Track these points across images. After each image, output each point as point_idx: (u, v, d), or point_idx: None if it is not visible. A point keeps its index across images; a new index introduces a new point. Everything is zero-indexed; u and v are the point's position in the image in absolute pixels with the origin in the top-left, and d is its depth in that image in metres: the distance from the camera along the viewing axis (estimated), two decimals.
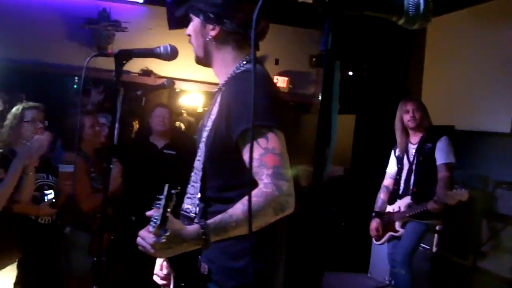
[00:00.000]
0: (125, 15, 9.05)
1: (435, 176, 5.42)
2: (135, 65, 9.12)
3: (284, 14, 8.23)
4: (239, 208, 2.27)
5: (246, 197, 2.18)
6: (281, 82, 10.16)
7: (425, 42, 8.10)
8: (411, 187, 5.63)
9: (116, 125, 3.11)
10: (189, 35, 2.75)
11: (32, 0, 8.82)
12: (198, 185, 2.56)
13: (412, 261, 5.46)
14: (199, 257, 2.52)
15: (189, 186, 2.53)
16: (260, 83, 2.41)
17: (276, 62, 10.21)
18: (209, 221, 2.24)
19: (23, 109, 4.74)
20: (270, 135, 2.34)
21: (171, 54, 3.14)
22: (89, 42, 8.65)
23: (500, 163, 6.38)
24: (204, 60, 2.77)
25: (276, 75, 10.16)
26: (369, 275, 6.70)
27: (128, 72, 8.98)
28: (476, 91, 7.06)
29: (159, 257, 2.20)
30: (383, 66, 8.62)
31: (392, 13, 1.71)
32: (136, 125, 9.01)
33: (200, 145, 2.64)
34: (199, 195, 2.54)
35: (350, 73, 10.16)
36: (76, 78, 9.93)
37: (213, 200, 2.48)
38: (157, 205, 2.14)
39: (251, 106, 2.02)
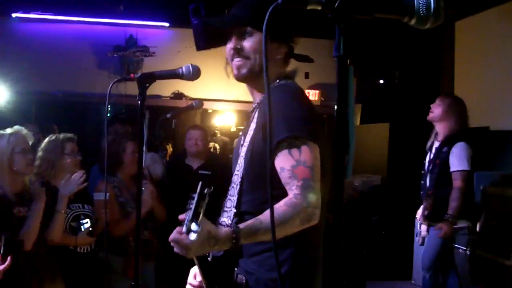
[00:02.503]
0: (152, 39, 9.16)
1: (450, 181, 5.33)
2: (166, 89, 9.20)
3: (312, 27, 8.22)
4: (267, 217, 2.28)
5: (279, 203, 2.29)
6: (312, 95, 10.18)
7: (454, 44, 8.04)
8: (426, 190, 5.56)
9: (144, 149, 3.11)
10: (240, 48, 2.62)
11: (58, 31, 8.97)
12: (235, 198, 2.60)
13: (442, 265, 5.41)
14: (236, 269, 2.56)
15: (226, 199, 2.55)
16: (294, 96, 2.50)
17: (306, 75, 10.21)
18: (241, 225, 2.27)
19: (63, 141, 4.75)
20: (303, 147, 2.37)
21: (194, 74, 3.10)
22: (118, 69, 8.76)
23: None
24: (254, 76, 2.65)
25: (307, 88, 10.16)
26: (413, 282, 6.62)
27: (159, 96, 9.08)
28: (509, 90, 6.97)
29: (189, 256, 2.18)
30: (414, 71, 8.59)
31: (403, 14, 1.69)
32: (170, 148, 9.05)
33: (239, 160, 2.64)
34: (235, 210, 2.57)
35: (381, 81, 10.14)
36: (109, 106, 10.04)
37: (250, 213, 2.47)
38: (190, 207, 2.22)
39: (288, 118, 2.29)
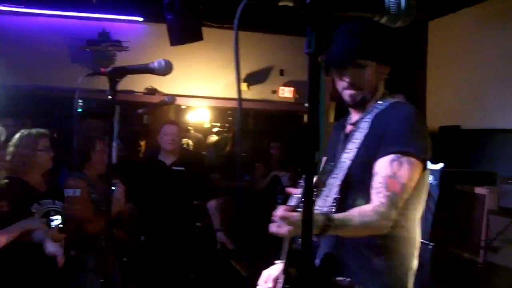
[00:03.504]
0: (125, 34, 9.08)
1: None
2: (140, 84, 9.14)
3: (286, 24, 8.23)
4: (356, 216, 2.45)
5: (366, 207, 2.50)
6: (287, 92, 10.15)
7: (427, 44, 8.08)
8: None
9: (114, 144, 3.09)
10: (352, 82, 2.78)
11: (31, 24, 8.85)
12: (329, 199, 2.69)
13: None
14: (346, 279, 2.69)
15: (320, 198, 2.59)
16: (412, 115, 2.68)
17: (281, 72, 10.20)
18: (335, 217, 2.39)
19: (36, 136, 4.68)
20: (406, 165, 2.55)
21: (166, 69, 3.10)
22: (91, 64, 8.68)
23: (506, 159, 6.37)
24: (368, 100, 2.83)
25: (282, 85, 10.15)
26: None
27: (133, 91, 9.01)
28: (481, 90, 7.03)
29: (293, 232, 2.30)
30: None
31: (374, 12, 1.70)
32: (143, 144, 9.01)
33: (339, 164, 2.74)
34: (325, 209, 2.65)
35: None
36: (81, 101, 9.92)
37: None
38: (301, 184, 2.31)
39: (406, 134, 2.58)
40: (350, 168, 2.68)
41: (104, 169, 5.00)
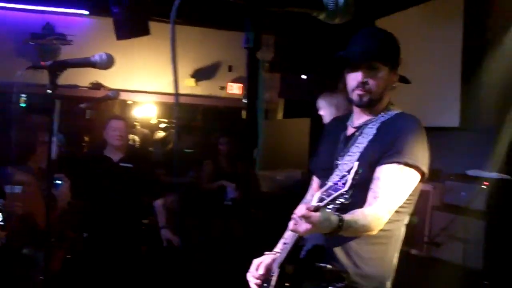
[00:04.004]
0: (70, 28, 8.95)
1: None
2: (84, 79, 9.04)
3: (235, 20, 8.21)
4: (360, 218, 2.53)
5: (368, 209, 2.60)
6: (235, 88, 10.15)
7: None
8: None
9: (54, 139, 3.04)
10: (365, 82, 2.82)
11: None
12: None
13: None
14: (327, 265, 2.76)
15: (322, 193, 2.51)
16: (419, 127, 2.78)
17: (230, 68, 10.20)
18: (345, 218, 2.42)
19: None
20: (407, 172, 2.67)
21: (107, 63, 3.07)
22: (35, 57, 8.52)
23: (449, 157, 6.46)
24: (374, 103, 2.88)
25: (231, 81, 10.15)
26: None
27: (76, 86, 8.89)
28: (425, 88, 7.11)
29: (311, 231, 2.35)
30: (337, 68, 8.67)
31: (312, 8, 1.70)
32: (87, 139, 8.91)
33: (341, 166, 2.68)
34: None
35: (304, 76, 10.21)
36: (25, 95, 9.76)
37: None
38: (330, 192, 2.35)
39: (411, 146, 2.66)
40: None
41: (43, 165, 4.92)
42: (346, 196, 2.30)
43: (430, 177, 6.09)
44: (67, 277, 5.21)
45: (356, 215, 2.52)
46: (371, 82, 2.81)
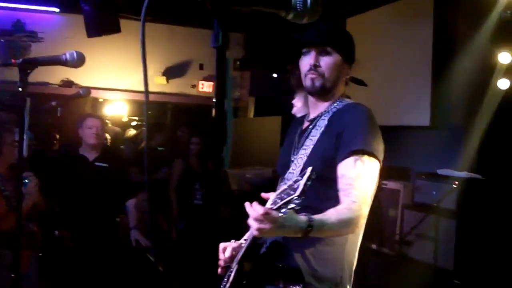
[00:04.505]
0: (41, 25, 8.91)
1: None
2: (55, 77, 8.98)
3: (205, 18, 8.20)
4: (333, 215, 2.49)
5: (340, 206, 2.56)
6: (206, 87, 10.15)
7: None
8: None
9: (24, 137, 3.02)
10: (317, 65, 2.83)
11: None
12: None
13: None
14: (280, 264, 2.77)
15: (276, 196, 2.48)
16: (371, 117, 2.76)
17: (201, 67, 10.20)
18: (314, 217, 2.40)
19: None
20: (368, 162, 2.64)
21: (78, 61, 3.05)
22: (4, 54, 8.47)
23: (420, 156, 6.52)
24: (326, 89, 2.89)
25: (202, 80, 10.14)
26: None
27: (47, 83, 8.84)
28: (395, 87, 7.17)
29: (269, 235, 2.43)
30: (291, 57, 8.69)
31: (280, 8, 1.71)
32: (57, 137, 8.84)
33: (296, 160, 2.86)
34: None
35: (275, 75, 10.23)
36: None
37: (308, 207, 2.56)
38: (289, 192, 2.29)
39: (366, 134, 2.65)
40: (306, 164, 2.74)
41: (14, 161, 4.87)
42: (298, 201, 2.26)
43: (401, 175, 6.15)
44: (41, 275, 5.20)
45: (327, 213, 2.48)
46: (323, 65, 2.83)
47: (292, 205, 2.27)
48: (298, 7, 1.69)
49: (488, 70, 5.84)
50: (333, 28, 2.92)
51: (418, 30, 6.95)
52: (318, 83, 2.84)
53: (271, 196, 2.39)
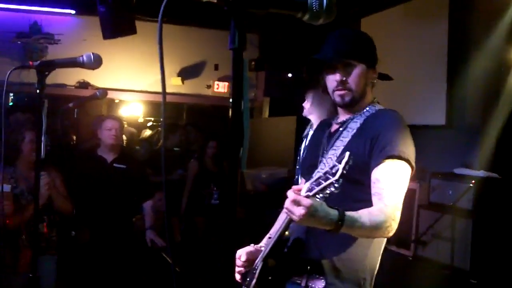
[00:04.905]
0: (57, 27, 8.96)
1: None
2: (71, 78, 9.02)
3: (221, 19, 8.22)
4: (366, 215, 2.49)
5: (373, 207, 2.58)
6: (221, 87, 10.17)
7: None
8: None
9: (42, 139, 3.05)
10: (345, 80, 2.86)
11: None
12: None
13: None
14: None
15: (312, 183, 2.49)
16: (404, 124, 2.80)
17: (216, 67, 10.21)
18: (346, 213, 2.40)
19: None
20: (402, 168, 2.67)
21: (95, 63, 3.08)
22: (22, 56, 8.52)
23: (436, 155, 6.48)
24: (356, 102, 2.91)
25: (217, 80, 10.15)
26: None
27: (64, 85, 8.89)
28: (410, 86, 7.14)
29: (301, 222, 2.36)
30: (321, 66, 8.69)
31: (296, 10, 1.72)
32: (75, 138, 8.88)
33: (325, 160, 2.84)
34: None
35: (290, 75, 10.22)
36: (12, 94, 9.74)
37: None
38: (321, 181, 2.33)
39: (401, 141, 2.66)
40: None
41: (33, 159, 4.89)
42: (336, 185, 2.29)
43: (417, 175, 6.13)
44: (60, 277, 5.23)
45: (360, 212, 2.49)
46: (349, 80, 2.84)
47: (331, 189, 2.31)
48: (314, 8, 1.70)
49: (504, 69, 5.81)
50: (350, 37, 2.92)
51: (433, 29, 6.92)
52: (347, 98, 2.87)
53: (305, 185, 2.40)
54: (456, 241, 5.38)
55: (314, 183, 2.35)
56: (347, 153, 2.29)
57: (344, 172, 2.25)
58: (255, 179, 8.07)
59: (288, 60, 9.44)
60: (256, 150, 8.79)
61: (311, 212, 2.27)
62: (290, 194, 2.34)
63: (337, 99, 2.89)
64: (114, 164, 5.99)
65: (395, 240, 5.96)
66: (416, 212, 5.87)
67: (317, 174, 2.48)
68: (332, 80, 2.87)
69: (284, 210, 2.39)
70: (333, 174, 2.28)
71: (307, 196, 2.31)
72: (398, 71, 7.36)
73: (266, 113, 10.70)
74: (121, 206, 5.91)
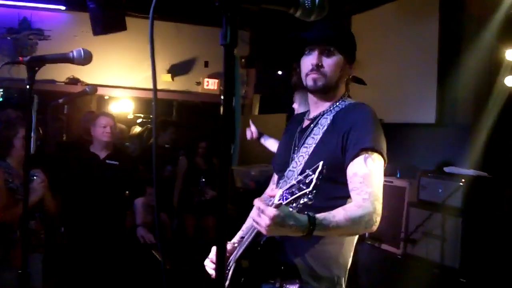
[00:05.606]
0: (47, 23, 8.93)
1: None
2: (61, 74, 9.00)
3: (212, 15, 8.22)
4: (341, 213, 2.46)
5: (348, 204, 2.58)
6: (211, 84, 10.17)
7: None
8: None
9: (32, 134, 3.03)
10: (320, 65, 2.82)
11: None
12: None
13: None
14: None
15: (285, 191, 2.45)
16: (375, 116, 2.77)
17: (206, 64, 10.23)
18: (317, 215, 2.37)
19: None
20: (377, 160, 2.65)
21: (85, 58, 3.06)
22: (11, 52, 8.50)
23: (426, 153, 6.51)
24: (328, 89, 2.89)
25: (207, 77, 10.15)
26: None
27: (54, 81, 8.86)
28: (401, 85, 7.16)
29: (269, 233, 2.33)
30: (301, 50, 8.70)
31: (288, 6, 1.72)
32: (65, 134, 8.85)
33: (296, 158, 2.85)
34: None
35: (280, 72, 10.22)
36: (1, 90, 9.70)
37: (311, 206, 2.50)
38: (294, 191, 2.28)
39: (373, 133, 2.66)
40: (307, 162, 2.75)
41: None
42: (310, 196, 2.25)
43: (407, 173, 6.12)
44: (48, 273, 5.20)
45: (333, 212, 2.45)
46: (326, 65, 2.81)
47: (305, 200, 2.27)
48: (306, 5, 1.70)
49: (495, 68, 5.82)
50: (337, 27, 2.91)
51: (424, 27, 6.93)
52: (320, 82, 2.83)
53: (277, 192, 2.35)
54: (445, 240, 5.40)
55: (287, 191, 2.32)
56: (321, 163, 2.25)
57: (318, 183, 2.22)
58: (244, 176, 8.07)
59: (278, 57, 9.45)
60: (245, 147, 8.79)
61: (277, 222, 2.25)
62: (257, 203, 2.31)
63: (310, 82, 2.85)
64: (107, 161, 5.99)
65: (385, 238, 5.96)
66: (405, 210, 5.88)
67: (289, 179, 2.55)
68: (307, 63, 2.84)
69: (253, 220, 2.37)
70: (307, 185, 2.24)
71: (280, 205, 2.29)
72: (389, 69, 7.41)
73: (256, 110, 10.70)
74: (113, 202, 5.92)
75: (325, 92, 2.88)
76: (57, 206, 5.26)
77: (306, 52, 2.87)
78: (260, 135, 5.96)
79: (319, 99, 2.93)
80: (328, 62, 2.81)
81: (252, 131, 5.67)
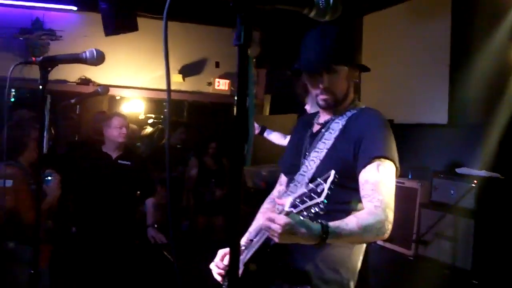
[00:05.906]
0: (59, 23, 8.95)
1: None
2: (73, 74, 9.02)
3: (223, 16, 8.23)
4: (353, 221, 2.48)
5: (359, 212, 2.59)
6: (222, 84, 10.16)
7: (362, 38, 8.14)
8: None
9: (45, 134, 3.04)
10: (327, 87, 2.83)
11: None
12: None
13: None
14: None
15: (295, 198, 2.47)
16: (386, 124, 2.80)
17: (217, 65, 10.24)
18: (330, 224, 2.39)
19: None
20: (390, 168, 2.66)
21: (98, 59, 3.07)
22: (24, 52, 8.52)
23: (438, 154, 6.47)
24: (340, 102, 2.91)
25: (218, 77, 10.15)
26: None
27: (66, 81, 8.88)
28: (413, 85, 7.13)
29: (281, 241, 2.33)
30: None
31: (303, 6, 1.71)
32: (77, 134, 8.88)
33: (307, 162, 2.84)
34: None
35: (290, 73, 10.21)
36: (13, 90, 9.72)
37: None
38: (305, 199, 2.30)
39: (385, 141, 2.68)
40: (319, 167, 2.75)
41: (36, 157, 4.91)
42: (322, 206, 2.25)
43: (419, 174, 6.08)
44: (56, 272, 5.21)
45: (346, 219, 2.47)
46: (331, 84, 2.82)
47: (316, 209, 2.26)
48: (321, 5, 1.69)
49: (507, 68, 5.79)
50: (331, 39, 2.82)
51: (435, 27, 6.90)
52: (331, 101, 2.86)
53: (288, 200, 2.36)
54: (457, 241, 5.37)
55: (297, 199, 2.32)
56: (332, 172, 2.26)
57: (329, 192, 2.22)
58: (255, 177, 8.07)
59: (289, 57, 9.43)
60: (256, 147, 8.79)
61: (288, 230, 2.27)
62: (266, 212, 2.33)
63: (321, 103, 2.88)
64: (119, 161, 6.02)
65: (396, 239, 5.94)
66: (417, 211, 5.85)
67: (300, 184, 2.58)
68: (314, 85, 2.86)
69: (263, 228, 2.40)
70: (319, 194, 2.24)
71: (290, 212, 2.30)
72: (400, 70, 7.39)
73: (267, 111, 10.69)
74: (125, 202, 5.95)
75: (336, 106, 2.90)
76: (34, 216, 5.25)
77: (308, 75, 2.89)
78: (263, 129, 5.97)
79: (333, 106, 2.92)
80: (333, 81, 2.82)
81: (254, 126, 5.71)
